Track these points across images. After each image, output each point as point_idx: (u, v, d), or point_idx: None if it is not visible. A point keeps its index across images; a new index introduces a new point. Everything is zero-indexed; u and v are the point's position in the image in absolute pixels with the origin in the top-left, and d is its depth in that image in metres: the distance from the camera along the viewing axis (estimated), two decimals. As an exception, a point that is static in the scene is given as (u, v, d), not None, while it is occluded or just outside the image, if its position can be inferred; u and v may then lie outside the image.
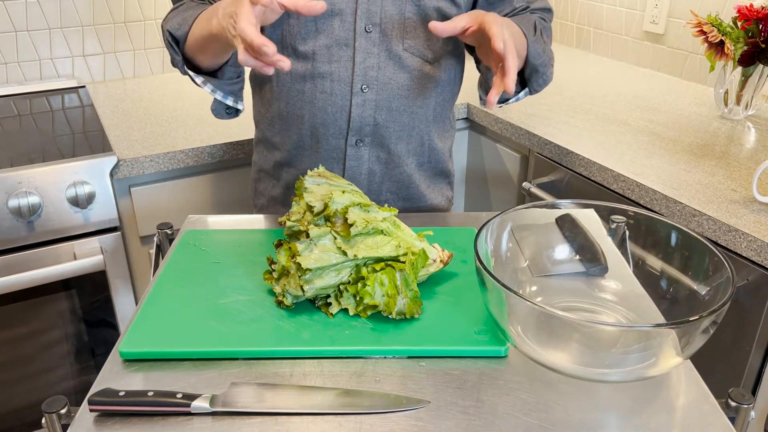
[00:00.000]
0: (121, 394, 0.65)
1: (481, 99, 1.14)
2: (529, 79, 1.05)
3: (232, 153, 1.42)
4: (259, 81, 1.11)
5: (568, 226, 0.91)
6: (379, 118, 1.05)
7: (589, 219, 1.06)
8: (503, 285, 0.66)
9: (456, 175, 1.72)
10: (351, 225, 0.75)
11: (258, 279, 0.84)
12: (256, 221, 1.03)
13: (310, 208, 0.78)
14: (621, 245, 0.90)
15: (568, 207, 0.86)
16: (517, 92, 1.09)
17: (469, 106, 1.65)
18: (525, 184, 1.42)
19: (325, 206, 0.77)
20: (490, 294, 0.70)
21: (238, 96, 1.07)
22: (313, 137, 1.07)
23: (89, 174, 1.27)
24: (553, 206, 0.86)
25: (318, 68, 1.03)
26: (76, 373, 1.39)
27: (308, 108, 1.05)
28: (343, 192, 0.79)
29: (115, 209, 1.32)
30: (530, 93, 1.09)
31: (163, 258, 1.00)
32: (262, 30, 1.07)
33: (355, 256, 0.75)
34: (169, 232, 1.01)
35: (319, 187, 0.80)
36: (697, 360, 0.74)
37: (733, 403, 0.67)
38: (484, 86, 1.10)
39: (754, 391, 1.12)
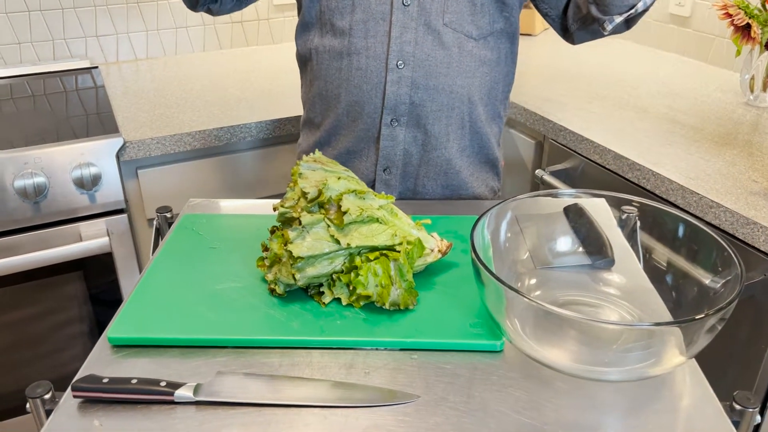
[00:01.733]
0: (105, 381, 0.64)
1: (600, 23, 0.99)
2: None
3: (239, 136, 1.41)
4: (303, 60, 1.10)
5: (575, 216, 0.88)
6: (415, 96, 1.02)
7: (598, 208, 1.02)
8: (498, 279, 0.63)
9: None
10: (345, 213, 0.73)
11: (253, 266, 0.82)
12: (258, 206, 1.02)
13: (303, 194, 0.76)
14: (631, 237, 0.87)
15: (569, 196, 0.82)
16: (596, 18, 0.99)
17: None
18: (538, 172, 1.38)
19: (319, 193, 0.75)
20: (485, 287, 0.68)
21: None
22: (349, 116, 1.05)
23: (95, 155, 1.27)
24: (554, 195, 0.82)
25: (354, 44, 1.00)
26: (84, 354, 1.40)
27: (344, 86, 1.03)
28: (339, 178, 0.76)
29: (122, 191, 1.32)
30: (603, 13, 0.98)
31: (162, 241, 0.99)
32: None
33: (348, 245, 0.73)
34: (168, 215, 0.99)
35: (314, 172, 0.77)
36: (707, 360, 0.71)
37: (737, 407, 0.64)
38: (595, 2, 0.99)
39: (769, 391, 1.09)
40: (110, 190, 1.30)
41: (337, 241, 0.73)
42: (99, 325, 1.39)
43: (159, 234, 1.00)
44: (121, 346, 0.71)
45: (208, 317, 0.73)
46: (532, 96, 1.52)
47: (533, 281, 0.78)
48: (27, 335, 1.34)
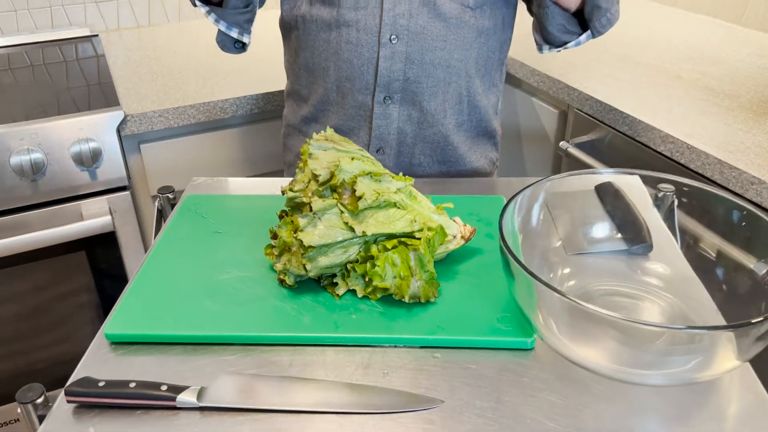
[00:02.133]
0: (101, 384, 0.59)
1: (537, 44, 1.01)
2: (590, 18, 0.92)
3: (246, 108, 1.34)
4: (287, 28, 1.03)
5: (609, 197, 0.81)
6: (410, 72, 0.95)
7: (631, 186, 0.95)
8: (529, 272, 0.57)
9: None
10: (360, 198, 0.67)
11: (260, 253, 0.76)
12: (266, 185, 0.95)
13: (314, 176, 0.69)
14: (668, 218, 0.80)
15: (608, 175, 0.75)
16: (577, 35, 0.96)
17: (502, 57, 1.52)
18: (563, 144, 1.30)
19: (332, 175, 0.69)
20: (515, 280, 0.62)
21: (244, 28, 0.97)
22: (338, 92, 0.98)
23: (94, 130, 1.20)
24: (591, 174, 0.75)
25: (343, 15, 0.93)
26: (89, 336, 1.36)
27: (333, 60, 0.96)
28: (353, 159, 0.70)
29: (124, 167, 1.26)
30: (593, 36, 0.95)
31: (164, 223, 0.94)
32: None
33: (363, 233, 0.67)
34: (170, 196, 0.94)
35: (326, 153, 0.71)
36: (761, 359, 0.65)
37: (796, 414, 0.57)
38: (539, 27, 0.98)
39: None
40: (112, 167, 1.24)
41: (352, 229, 0.67)
42: (105, 308, 1.35)
43: (161, 215, 0.94)
44: (120, 343, 0.66)
45: (212, 311, 0.67)
46: (555, 62, 1.44)
47: (567, 270, 0.72)
48: (29, 318, 1.30)
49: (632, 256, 0.77)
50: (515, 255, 0.60)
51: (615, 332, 0.57)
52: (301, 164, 0.73)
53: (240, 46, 1.01)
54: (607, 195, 0.81)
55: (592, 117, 1.28)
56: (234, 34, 0.97)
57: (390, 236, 0.69)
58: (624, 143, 1.22)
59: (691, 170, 1.08)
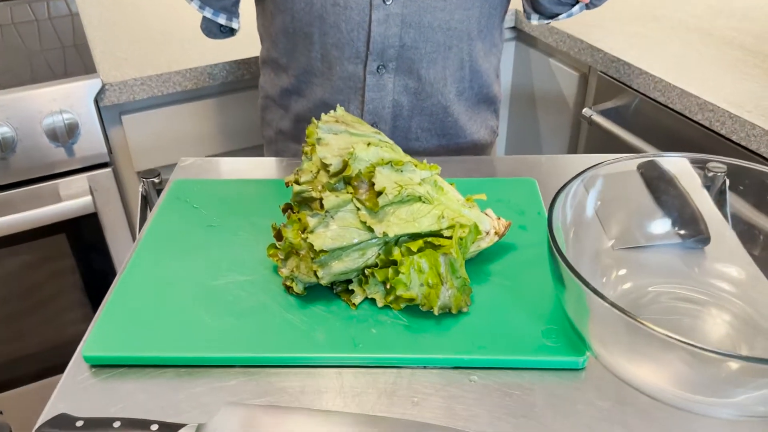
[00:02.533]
0: (80, 424, 0.49)
1: (525, 12, 0.94)
2: None
3: (237, 74, 1.21)
4: None
5: (656, 181, 0.71)
6: (407, 37, 0.83)
7: (675, 165, 0.86)
8: (583, 281, 0.47)
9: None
10: (380, 193, 0.56)
11: (262, 251, 0.66)
12: (264, 167, 0.85)
13: (324, 166, 0.59)
14: (717, 201, 0.71)
15: (677, 159, 0.65)
16: (570, 6, 0.89)
17: (516, 13, 1.40)
18: (586, 111, 1.19)
19: (345, 165, 0.58)
20: (566, 288, 0.52)
21: (231, 12, 0.87)
22: (324, 61, 0.86)
23: (69, 101, 1.08)
24: (653, 158, 0.65)
25: None
26: (72, 322, 1.27)
27: (318, 24, 0.84)
28: (368, 144, 0.59)
29: (104, 142, 1.14)
30: (587, 8, 0.89)
31: (150, 212, 0.83)
32: None
33: (384, 233, 0.57)
34: (156, 180, 0.83)
35: (337, 137, 0.60)
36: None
37: None
38: None
39: None
40: (90, 142, 1.12)
41: (370, 229, 0.57)
42: (89, 294, 1.25)
43: (146, 202, 0.83)
44: (102, 366, 0.56)
45: (209, 326, 0.58)
46: (575, 19, 1.31)
47: (621, 272, 0.63)
48: (7, 303, 1.20)
49: (687, 250, 0.67)
50: (567, 260, 0.50)
51: (680, 352, 0.48)
52: (307, 149, 0.62)
53: (227, 32, 0.90)
54: (654, 179, 0.71)
55: (618, 81, 1.17)
56: (222, 20, 0.87)
57: (414, 235, 0.59)
58: (654, 111, 1.11)
59: (734, 142, 0.98)
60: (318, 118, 0.91)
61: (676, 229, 0.68)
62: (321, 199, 0.57)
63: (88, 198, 1.12)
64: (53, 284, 1.22)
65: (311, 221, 0.56)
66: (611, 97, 1.19)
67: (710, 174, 0.69)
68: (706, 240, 0.67)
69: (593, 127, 1.18)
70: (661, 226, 0.68)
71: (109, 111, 1.17)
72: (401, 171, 0.59)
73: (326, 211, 0.56)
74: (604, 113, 1.19)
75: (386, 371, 0.55)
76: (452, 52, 0.87)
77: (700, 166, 0.69)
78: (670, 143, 1.08)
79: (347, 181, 0.58)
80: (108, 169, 1.17)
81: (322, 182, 0.59)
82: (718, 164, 0.74)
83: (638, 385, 0.51)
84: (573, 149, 1.36)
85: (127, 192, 1.24)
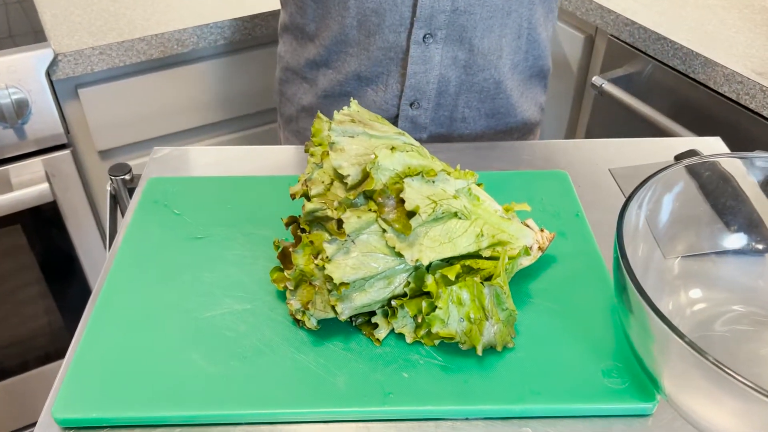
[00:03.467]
0: None
1: None
2: None
3: (209, 39, 1.08)
4: None
5: (710, 179, 0.62)
6: (460, 1, 0.72)
7: (716, 152, 0.77)
8: (664, 320, 0.39)
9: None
10: (412, 214, 0.46)
11: (261, 271, 0.56)
12: (253, 158, 0.73)
13: (340, 177, 0.48)
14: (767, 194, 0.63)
15: (765, 163, 0.57)
16: None
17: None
18: (596, 80, 1.10)
19: (366, 176, 0.48)
20: (631, 314, 0.44)
21: None
22: (361, 29, 0.74)
23: (16, 76, 0.94)
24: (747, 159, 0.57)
25: None
26: (33, 316, 1.15)
27: None
28: (392, 149, 0.49)
29: (59, 120, 1.00)
30: None
31: (122, 216, 0.72)
32: None
33: (417, 260, 0.47)
34: (126, 177, 0.71)
35: (354, 141, 0.49)
36: None
37: None
38: None
39: None
40: (44, 121, 0.99)
41: (399, 254, 0.47)
42: (51, 290, 1.13)
43: (116, 203, 0.72)
44: (77, 428, 0.46)
45: (204, 373, 0.48)
46: (579, -24, 1.20)
47: (693, 293, 0.54)
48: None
49: (746, 257, 0.59)
50: (644, 290, 0.42)
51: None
52: (314, 153, 0.52)
53: None
54: (705, 174, 0.62)
55: (632, 46, 1.07)
56: None
57: (450, 259, 0.49)
58: (673, 80, 1.02)
59: (764, 117, 0.90)
60: (349, 95, 0.79)
61: (733, 231, 0.61)
62: (339, 220, 0.47)
63: (45, 185, 0.99)
64: (10, 279, 1.09)
65: (329, 248, 0.46)
66: (622, 63, 1.10)
67: (758, 164, 0.61)
68: (768, 246, 0.59)
69: (605, 98, 1.09)
70: (715, 228, 0.60)
71: (63, 85, 1.02)
72: (433, 182, 0.49)
73: (347, 236, 0.46)
74: (614, 81, 1.09)
75: (422, 425, 0.46)
76: (511, 18, 0.76)
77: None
78: (689, 117, 1.00)
79: (369, 196, 0.48)
80: (66, 151, 1.03)
81: (337, 196, 0.49)
82: (762, 152, 0.66)
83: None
84: (575, 119, 1.27)
85: (89, 176, 1.11)
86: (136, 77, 1.07)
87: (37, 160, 1.00)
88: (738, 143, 0.94)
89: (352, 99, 0.54)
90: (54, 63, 0.97)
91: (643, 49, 1.04)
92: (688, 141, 0.76)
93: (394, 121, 0.80)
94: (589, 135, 1.22)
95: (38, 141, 1.00)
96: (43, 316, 1.16)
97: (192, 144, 1.19)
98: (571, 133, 1.29)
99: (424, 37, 0.73)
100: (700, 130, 0.98)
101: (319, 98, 0.83)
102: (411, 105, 0.78)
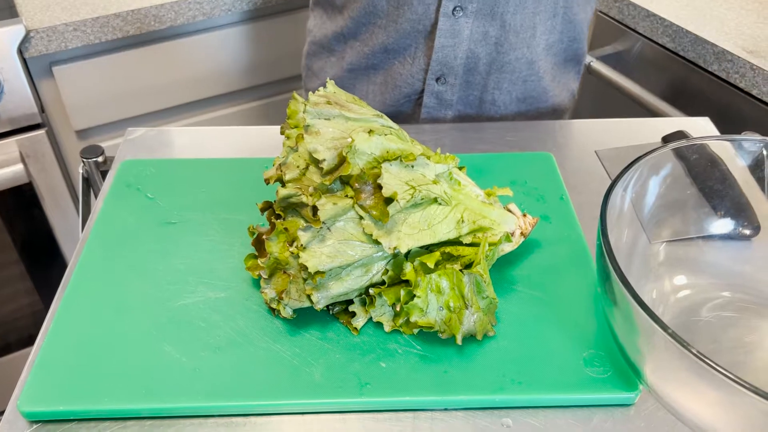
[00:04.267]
0: None
1: None
2: None
3: (188, 15, 1.04)
4: None
5: (697, 161, 0.61)
6: None
7: (704, 133, 0.76)
8: (649, 312, 0.38)
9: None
10: (390, 200, 0.45)
11: (236, 258, 0.54)
12: (236, 138, 0.71)
13: (315, 162, 0.47)
14: (753, 175, 0.62)
15: (753, 146, 0.55)
16: None
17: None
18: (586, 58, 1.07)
19: (342, 160, 0.46)
20: (615, 305, 0.43)
21: None
22: (390, 1, 0.71)
23: (-14, 53, 0.90)
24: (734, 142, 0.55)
25: None
26: (11, 297, 1.13)
27: None
28: (370, 132, 0.47)
29: (33, 99, 0.97)
30: None
31: (95, 199, 0.69)
32: None
33: (395, 248, 0.46)
34: (99, 159, 0.69)
35: (330, 123, 0.47)
36: None
37: None
38: None
39: None
40: (17, 100, 0.95)
41: (376, 242, 0.46)
42: (30, 272, 1.11)
43: (89, 186, 0.70)
44: (44, 421, 0.45)
45: (176, 364, 0.47)
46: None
47: (678, 280, 0.53)
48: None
49: (733, 242, 0.58)
50: (627, 281, 0.41)
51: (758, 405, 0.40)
52: (289, 135, 0.50)
53: None
54: (693, 158, 0.61)
55: (620, 23, 1.05)
56: None
57: (429, 246, 0.48)
58: (662, 58, 1.00)
59: (754, 97, 0.88)
60: (376, 68, 0.77)
61: (720, 215, 0.59)
62: (314, 207, 0.45)
63: (20, 166, 0.96)
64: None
65: (303, 236, 0.44)
66: (610, 41, 1.08)
67: (749, 147, 0.60)
68: (756, 229, 0.58)
69: (594, 76, 1.07)
70: (701, 212, 0.59)
71: (37, 62, 0.99)
72: (412, 167, 0.47)
73: (323, 223, 0.45)
74: (603, 59, 1.07)
75: (400, 416, 0.45)
76: None
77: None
78: (679, 97, 0.98)
79: (345, 181, 0.46)
80: (41, 131, 1.00)
81: (312, 182, 0.47)
82: (753, 134, 0.65)
83: (704, 428, 0.43)
84: (563, 97, 1.25)
85: (67, 156, 1.08)
86: (113, 54, 1.04)
87: (11, 141, 0.98)
88: (728, 123, 0.92)
89: (328, 80, 0.52)
90: (26, 40, 0.94)
91: (632, 26, 1.02)
92: (676, 121, 0.75)
93: (419, 96, 0.78)
94: (577, 114, 1.20)
95: (12, 121, 0.97)
96: (24, 297, 1.14)
97: (173, 123, 1.17)
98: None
99: (454, 9, 0.70)
100: (690, 110, 0.97)
101: (345, 71, 0.81)
102: (437, 80, 0.76)
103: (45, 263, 1.11)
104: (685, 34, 0.94)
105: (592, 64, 1.06)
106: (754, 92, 0.87)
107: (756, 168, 0.59)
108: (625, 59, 1.06)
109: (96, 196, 0.69)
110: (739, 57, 0.88)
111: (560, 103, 0.83)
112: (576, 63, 0.83)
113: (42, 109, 1.01)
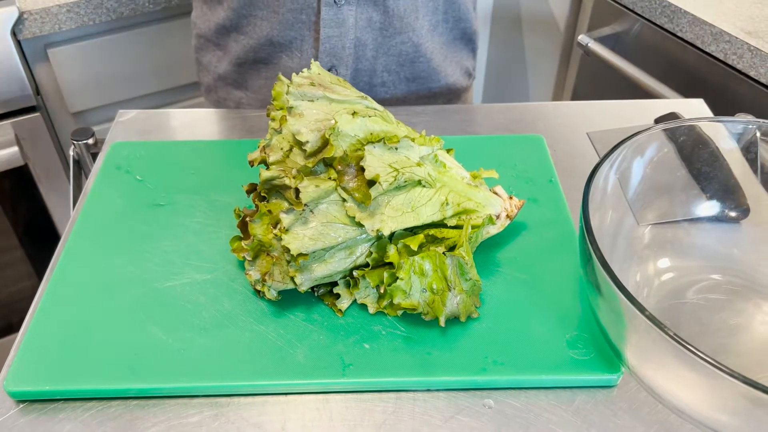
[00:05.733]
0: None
1: None
2: None
3: (183, -4, 1.04)
4: None
5: (686, 142, 0.60)
6: None
7: (698, 114, 0.76)
8: (631, 299, 0.38)
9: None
10: (372, 183, 0.45)
11: (223, 240, 0.55)
12: (226, 119, 0.71)
13: (299, 144, 0.47)
14: (745, 156, 0.61)
15: (745, 127, 0.55)
16: None
17: None
18: (582, 38, 1.07)
19: (325, 142, 0.46)
20: (600, 294, 0.43)
21: None
22: None
23: (-21, 35, 0.90)
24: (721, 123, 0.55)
25: None
26: (11, 280, 1.14)
27: None
28: (354, 114, 0.47)
29: (28, 81, 0.97)
30: None
31: (86, 180, 0.70)
32: None
33: (378, 230, 0.46)
34: (90, 142, 0.69)
35: (313, 105, 0.47)
36: None
37: None
38: None
39: None
40: (11, 82, 0.95)
41: (360, 224, 0.46)
42: (27, 254, 1.12)
43: (80, 168, 0.70)
44: (31, 401, 0.45)
45: (162, 345, 0.47)
46: (568, -71, 1.16)
47: (662, 263, 0.53)
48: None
49: (723, 224, 0.58)
50: (609, 266, 0.40)
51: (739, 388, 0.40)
52: (274, 117, 0.49)
53: None
54: (681, 139, 0.60)
55: (619, 3, 1.04)
56: None
57: (413, 228, 0.48)
58: (660, 39, 0.99)
59: (752, 78, 0.87)
60: (264, 62, 0.76)
61: (708, 197, 0.59)
62: (297, 189, 0.45)
63: (15, 149, 0.96)
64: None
65: (285, 218, 0.45)
66: (609, 22, 1.07)
67: (739, 129, 0.59)
68: (745, 212, 0.58)
69: (592, 57, 1.06)
70: (690, 194, 0.59)
71: (31, 44, 0.99)
72: (396, 149, 0.47)
73: (305, 206, 0.45)
74: (601, 41, 1.06)
75: (383, 396, 0.46)
76: None
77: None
78: (677, 78, 0.97)
79: (328, 163, 0.46)
80: (36, 114, 1.00)
81: (296, 164, 0.47)
82: (745, 114, 0.65)
83: (682, 407, 0.43)
84: (562, 79, 1.24)
85: (63, 138, 1.08)
86: (108, 36, 1.04)
87: (5, 123, 0.98)
88: (725, 105, 0.91)
89: (313, 60, 0.52)
90: (20, 21, 0.94)
91: (631, 7, 1.01)
92: (670, 103, 0.74)
93: None
94: (575, 96, 1.19)
95: (6, 103, 0.97)
96: (26, 280, 1.15)
97: (170, 105, 1.16)
98: (558, 94, 1.26)
99: None
100: (687, 92, 0.96)
101: (234, 65, 0.79)
102: (329, 70, 0.75)
103: (42, 245, 1.12)
104: (683, 15, 0.93)
105: (590, 45, 1.05)
106: (752, 73, 0.87)
107: (747, 150, 0.59)
108: (623, 40, 1.05)
109: (87, 179, 0.70)
110: (736, 38, 0.87)
111: (454, 82, 0.83)
112: (467, 41, 0.83)
113: (37, 92, 1.01)
